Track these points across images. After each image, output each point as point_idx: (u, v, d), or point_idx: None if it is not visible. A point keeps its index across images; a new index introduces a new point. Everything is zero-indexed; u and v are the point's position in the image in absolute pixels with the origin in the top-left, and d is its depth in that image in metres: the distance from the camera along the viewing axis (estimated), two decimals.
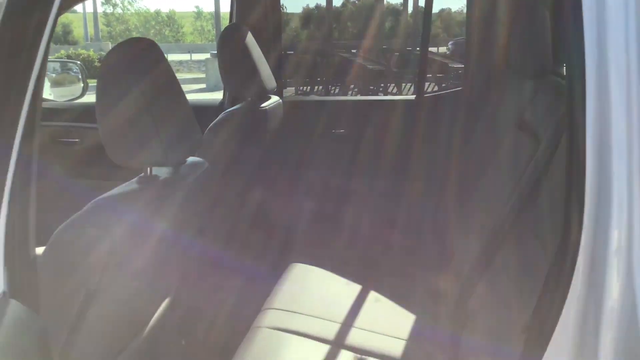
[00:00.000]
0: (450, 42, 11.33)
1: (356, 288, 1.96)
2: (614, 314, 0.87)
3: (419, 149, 2.58)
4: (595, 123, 0.87)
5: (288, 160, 2.61)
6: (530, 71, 1.80)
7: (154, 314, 1.61)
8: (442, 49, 11.63)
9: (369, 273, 2.08)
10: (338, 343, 1.65)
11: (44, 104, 2.67)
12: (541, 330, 0.94)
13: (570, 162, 0.91)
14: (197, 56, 22.78)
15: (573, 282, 0.90)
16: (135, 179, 1.32)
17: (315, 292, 1.90)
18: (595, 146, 0.87)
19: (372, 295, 1.93)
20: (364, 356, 1.62)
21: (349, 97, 3.16)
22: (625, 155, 0.85)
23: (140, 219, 1.25)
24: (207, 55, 17.62)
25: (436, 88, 6.57)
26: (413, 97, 2.71)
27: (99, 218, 1.18)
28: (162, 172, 1.38)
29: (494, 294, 1.45)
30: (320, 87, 8.39)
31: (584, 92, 0.87)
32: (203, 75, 16.73)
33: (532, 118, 1.71)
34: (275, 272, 2.00)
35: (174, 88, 1.33)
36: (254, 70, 2.05)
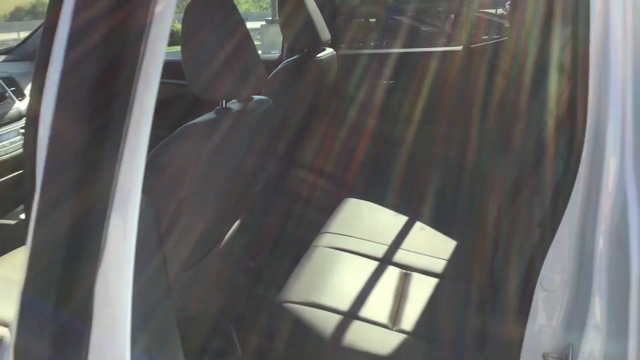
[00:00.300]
0: (507, 2, 11.07)
1: (403, 219, 2.17)
2: (607, 209, 1.06)
3: (464, 97, 2.73)
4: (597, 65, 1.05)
5: (341, 108, 2.81)
6: (570, 17, 1.93)
7: (226, 234, 1.87)
8: (501, 10, 11.35)
9: (416, 207, 2.28)
10: (386, 260, 1.88)
11: None
12: (551, 222, 1.13)
13: (575, 86, 1.09)
14: (251, 24, 22.95)
15: (576, 184, 1.09)
16: (214, 110, 1.56)
17: (366, 221, 2.12)
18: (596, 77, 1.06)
19: (418, 224, 2.15)
20: (408, 271, 1.85)
21: (398, 50, 3.31)
22: (619, 83, 1.04)
23: (219, 142, 1.49)
24: (262, 22, 17.79)
25: None
26: (460, 47, 2.85)
27: (186, 140, 1.43)
28: (234, 106, 1.62)
29: (524, 214, 1.62)
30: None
31: (588, 37, 1.05)
32: (259, 43, 16.96)
33: (569, 60, 1.85)
34: (331, 205, 2.24)
35: (243, 32, 1.55)
36: (310, 22, 2.25)
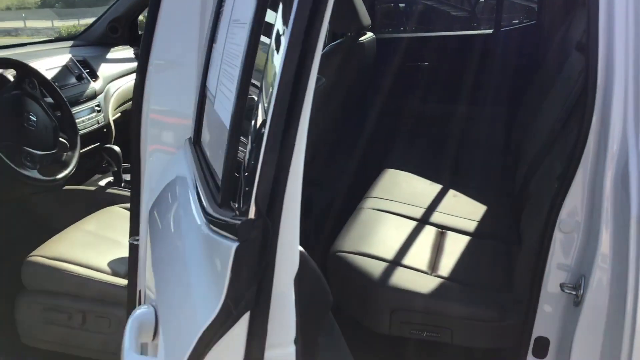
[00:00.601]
0: None
1: (437, 187, 2.42)
2: (613, 164, 1.29)
3: (495, 78, 2.94)
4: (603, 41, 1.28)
5: (381, 87, 3.05)
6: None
7: None
8: None
9: (449, 177, 2.52)
10: (424, 220, 2.13)
11: None
12: (567, 175, 1.36)
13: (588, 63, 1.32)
14: None
15: (587, 144, 1.32)
16: None
17: (405, 188, 2.37)
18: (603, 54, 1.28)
19: (451, 192, 2.39)
20: (444, 230, 2.09)
21: (432, 33, 3.53)
22: (622, 61, 1.26)
23: None
24: None
25: None
26: (491, 31, 3.06)
27: None
28: None
29: (547, 176, 1.85)
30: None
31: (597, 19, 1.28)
32: None
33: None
34: (372, 174, 2.49)
35: None
36: (353, 8, 2.49)
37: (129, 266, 1.63)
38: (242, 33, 0.92)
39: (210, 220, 0.84)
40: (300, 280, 0.78)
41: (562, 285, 1.38)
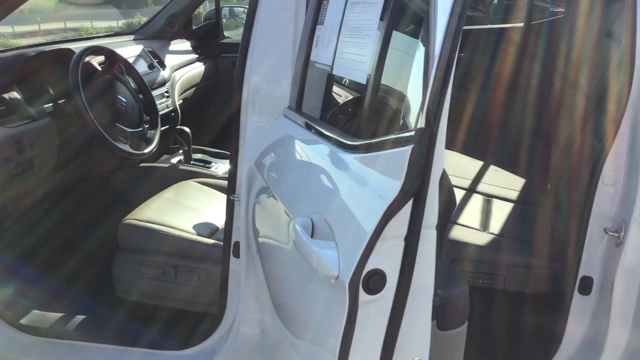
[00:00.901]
0: None
1: (479, 162, 2.68)
2: None
3: (527, 67, 3.19)
4: None
5: None
6: None
7: None
8: None
9: (488, 156, 2.78)
10: (471, 189, 2.39)
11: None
12: (608, 136, 1.62)
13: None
14: None
15: (626, 114, 1.57)
16: None
17: (450, 163, 2.63)
18: None
19: (492, 167, 2.65)
20: (489, 198, 2.35)
21: (466, 27, 3.77)
22: None
23: None
24: None
25: None
26: (522, 24, 3.31)
27: None
28: None
29: (581, 152, 2.10)
30: None
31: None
32: None
33: (617, 28, 2.30)
34: None
35: None
36: None
37: (226, 220, 1.89)
38: (369, 10, 1.19)
39: (366, 146, 1.12)
40: (440, 182, 1.06)
41: (605, 229, 1.63)
